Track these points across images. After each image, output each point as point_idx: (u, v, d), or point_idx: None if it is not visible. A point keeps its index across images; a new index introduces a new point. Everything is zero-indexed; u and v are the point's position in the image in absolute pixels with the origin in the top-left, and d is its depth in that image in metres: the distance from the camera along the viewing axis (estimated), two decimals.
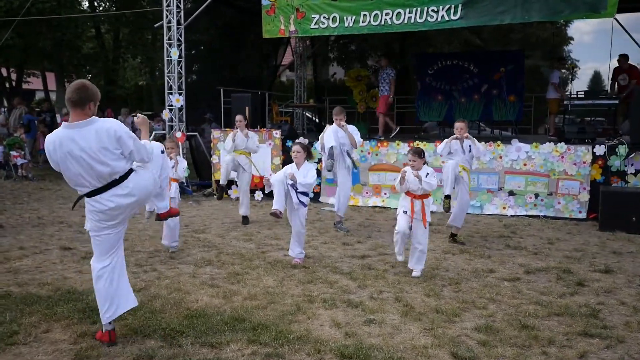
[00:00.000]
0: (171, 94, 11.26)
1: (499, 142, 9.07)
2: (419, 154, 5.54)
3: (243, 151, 8.15)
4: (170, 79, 11.27)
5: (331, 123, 7.72)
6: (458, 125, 6.83)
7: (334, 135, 7.45)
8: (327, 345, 3.76)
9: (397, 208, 9.07)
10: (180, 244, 6.65)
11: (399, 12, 9.51)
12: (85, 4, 19.74)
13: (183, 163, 6.76)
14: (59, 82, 18.00)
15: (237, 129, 8.17)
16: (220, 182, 8.19)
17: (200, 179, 11.93)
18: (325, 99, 15.21)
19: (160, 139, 11.36)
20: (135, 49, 19.64)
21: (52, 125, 15.93)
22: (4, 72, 21.22)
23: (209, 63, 13.11)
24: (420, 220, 5.48)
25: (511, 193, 8.98)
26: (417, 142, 9.56)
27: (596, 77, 57.82)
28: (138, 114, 4.24)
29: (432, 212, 6.17)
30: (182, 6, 11.05)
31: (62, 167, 3.58)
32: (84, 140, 3.49)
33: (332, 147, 7.36)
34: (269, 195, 10.19)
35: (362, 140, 7.89)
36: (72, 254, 6.33)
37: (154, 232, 7.28)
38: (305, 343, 3.81)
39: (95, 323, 4.07)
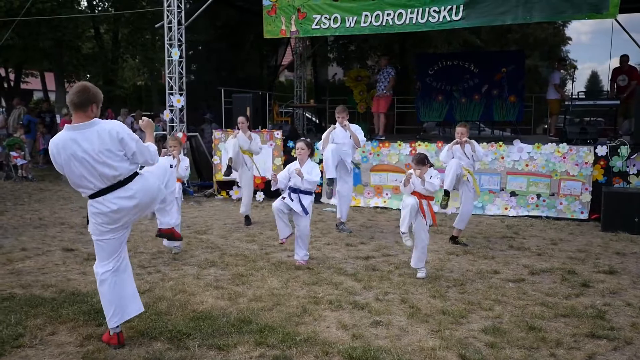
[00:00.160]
0: (172, 94, 11.24)
1: (500, 143, 9.07)
2: (422, 161, 5.45)
3: (246, 151, 8.12)
4: (170, 80, 11.24)
5: (333, 122, 7.71)
6: (459, 130, 6.81)
7: (332, 159, 7.33)
8: (334, 347, 3.75)
9: (398, 209, 9.21)
10: (183, 245, 6.63)
11: (401, 13, 9.50)
12: (84, 4, 19.73)
13: (185, 162, 6.70)
14: (59, 82, 17.94)
15: (238, 129, 8.14)
16: (230, 156, 8.01)
17: (201, 179, 11.92)
18: (326, 99, 15.20)
19: (161, 139, 11.34)
20: (134, 49, 19.58)
21: (52, 126, 15.90)
22: (2, 72, 21.17)
23: (209, 63, 13.10)
24: (423, 217, 5.44)
25: (513, 194, 8.98)
26: (418, 142, 9.56)
27: (594, 78, 57.95)
28: (143, 117, 4.21)
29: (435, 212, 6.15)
30: (182, 6, 11.02)
31: (65, 170, 3.57)
32: (86, 142, 3.49)
33: (333, 180, 7.38)
34: (270, 196, 10.21)
35: (364, 139, 7.83)
36: (75, 255, 6.31)
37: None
38: (313, 345, 3.80)
39: (101, 325, 4.06)
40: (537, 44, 25.27)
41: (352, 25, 9.87)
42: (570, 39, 30.55)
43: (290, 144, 10.22)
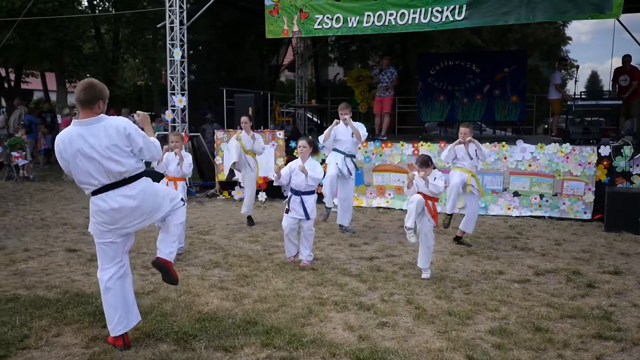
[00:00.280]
0: (174, 94, 11.22)
1: (503, 143, 9.06)
2: (426, 163, 5.43)
3: (248, 151, 8.09)
4: (172, 80, 11.23)
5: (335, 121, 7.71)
6: (463, 130, 6.78)
7: (330, 186, 7.44)
8: (341, 349, 3.74)
9: (401, 209, 9.22)
10: (186, 245, 6.62)
11: (403, 13, 9.48)
12: (85, 4, 19.71)
13: (188, 158, 6.49)
14: (60, 83, 17.93)
15: (241, 129, 8.12)
16: (234, 160, 7.97)
17: (203, 179, 11.90)
18: (327, 99, 15.19)
19: (162, 139, 11.32)
20: (135, 49, 19.57)
21: (53, 126, 15.87)
22: (3, 72, 21.14)
23: (209, 63, 13.09)
24: (429, 216, 5.44)
25: (516, 194, 8.96)
26: (421, 142, 9.54)
27: (594, 78, 58.00)
28: (138, 112, 4.18)
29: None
30: (184, 6, 11.01)
31: (71, 166, 3.56)
32: (93, 138, 3.49)
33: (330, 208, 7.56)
34: (272, 196, 10.24)
35: (366, 134, 7.77)
36: (78, 256, 6.30)
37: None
38: (320, 346, 3.78)
39: (106, 327, 4.02)
40: (537, 43, 25.28)
41: (354, 25, 9.85)
42: (570, 38, 30.63)
43: (293, 144, 10.20)
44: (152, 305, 4.54)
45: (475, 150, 6.71)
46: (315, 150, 6.21)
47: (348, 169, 7.59)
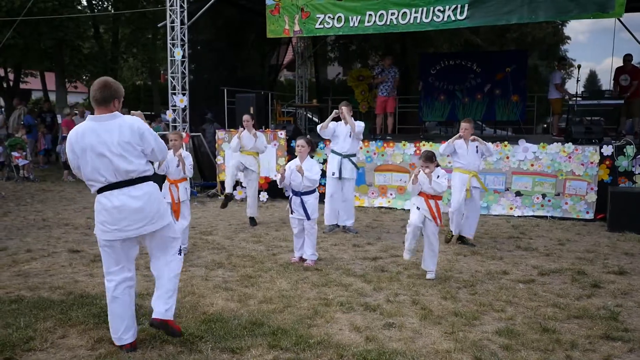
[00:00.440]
0: (174, 94, 11.19)
1: (506, 143, 9.04)
2: (430, 158, 5.46)
3: (250, 152, 8.06)
4: (173, 79, 11.20)
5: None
6: (464, 125, 6.78)
7: (329, 204, 7.54)
8: (349, 350, 3.72)
9: (403, 209, 9.21)
10: (189, 246, 6.60)
11: (405, 12, 9.46)
12: (84, 3, 19.67)
13: (189, 159, 6.38)
14: (60, 82, 17.88)
15: (243, 129, 8.09)
16: (226, 191, 8.01)
17: (204, 179, 11.87)
18: (327, 99, 15.17)
19: (162, 139, 11.28)
20: (135, 48, 19.54)
21: (53, 126, 15.83)
22: (2, 72, 21.10)
23: (209, 62, 13.04)
24: (432, 220, 5.44)
25: (518, 193, 8.95)
26: (423, 142, 9.53)
27: (592, 77, 58.07)
28: (132, 112, 4.06)
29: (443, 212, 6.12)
30: (185, 6, 10.98)
31: (80, 160, 3.55)
32: (106, 134, 3.49)
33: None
34: (274, 196, 10.22)
35: (362, 125, 7.64)
36: (81, 256, 6.27)
37: None
38: (327, 348, 3.76)
39: None
40: (535, 43, 25.28)
41: (356, 24, 9.83)
42: (569, 38, 30.60)
43: (294, 144, 10.16)
44: None
45: (477, 146, 6.69)
46: (314, 149, 6.23)
47: (342, 170, 7.56)
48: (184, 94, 11.18)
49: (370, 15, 9.67)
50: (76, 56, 18.11)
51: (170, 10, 11.01)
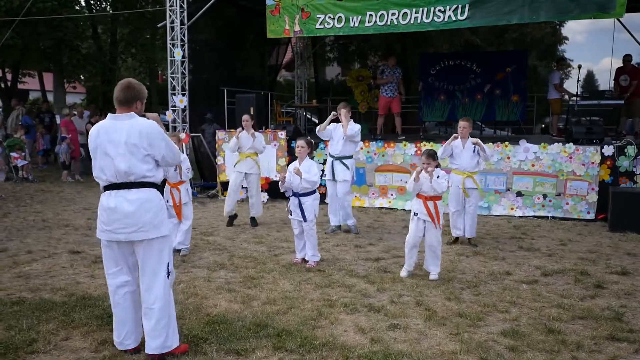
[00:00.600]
0: (174, 94, 11.16)
1: (506, 143, 9.04)
2: (432, 156, 5.50)
3: (249, 153, 8.02)
4: (173, 80, 11.17)
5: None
6: (462, 124, 6.80)
7: (329, 205, 7.50)
8: (354, 352, 3.70)
9: (404, 209, 9.21)
10: (191, 246, 6.57)
11: (406, 12, 9.45)
12: (82, 3, 19.62)
13: (186, 163, 6.36)
14: (58, 83, 17.83)
15: (242, 129, 8.07)
16: (226, 212, 8.01)
17: (204, 180, 11.84)
18: (327, 99, 15.16)
19: None
20: (134, 48, 19.49)
21: (51, 126, 15.78)
22: (0, 72, 21.04)
23: (208, 63, 13.01)
24: (431, 222, 5.43)
25: (519, 194, 8.94)
26: (423, 142, 9.51)
27: (590, 77, 58.14)
28: (147, 114, 3.92)
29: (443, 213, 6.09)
30: (185, 6, 10.95)
31: (93, 156, 3.59)
32: (116, 133, 3.48)
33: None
34: (275, 197, 10.19)
35: (359, 135, 7.62)
36: (82, 257, 6.24)
37: None
38: (332, 349, 3.75)
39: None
40: (534, 43, 25.32)
41: (356, 25, 9.81)
42: (567, 38, 30.66)
43: (294, 144, 10.14)
44: None
45: (476, 149, 6.68)
46: (313, 150, 6.22)
47: (334, 172, 7.55)
48: (183, 94, 11.16)
49: (370, 15, 9.66)
50: (75, 56, 18.06)
51: (170, 10, 10.98)
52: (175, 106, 11.17)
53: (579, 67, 11.45)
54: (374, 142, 9.82)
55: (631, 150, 8.38)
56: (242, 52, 14.60)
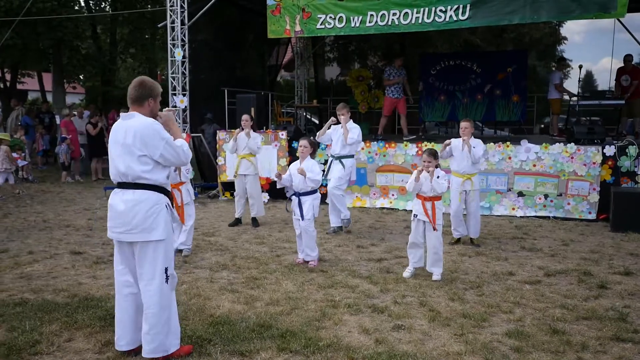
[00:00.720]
0: (175, 94, 11.14)
1: (508, 143, 9.03)
2: (434, 155, 5.51)
3: (244, 154, 8.00)
4: (173, 80, 11.15)
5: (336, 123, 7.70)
6: (463, 124, 6.79)
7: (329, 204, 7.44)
8: (359, 353, 3.69)
9: (405, 209, 9.20)
10: (192, 247, 6.56)
11: (407, 12, 9.44)
12: (81, 3, 19.58)
13: (187, 165, 6.36)
14: (58, 83, 17.79)
15: (242, 129, 8.08)
16: (236, 216, 8.14)
17: (204, 180, 11.82)
18: (327, 99, 15.16)
19: None
20: (134, 49, 19.46)
21: (51, 127, 15.75)
22: None
23: (208, 63, 13.00)
24: (427, 221, 5.42)
25: (520, 194, 8.93)
26: (425, 143, 9.51)
27: (588, 77, 58.17)
28: (160, 113, 3.76)
29: (443, 213, 6.06)
30: (185, 6, 10.93)
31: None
32: (118, 133, 3.53)
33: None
34: (275, 197, 10.17)
35: (359, 140, 7.65)
36: (84, 258, 6.23)
37: None
38: (337, 350, 3.73)
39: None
40: (533, 43, 25.31)
41: (357, 25, 9.80)
42: (565, 38, 30.63)
43: (295, 144, 10.14)
44: None
45: (473, 147, 6.67)
46: (316, 150, 6.25)
47: (330, 171, 7.59)
48: (184, 95, 11.14)
49: (371, 15, 9.65)
50: (75, 56, 18.03)
51: (171, 10, 10.96)
52: (175, 106, 11.15)
53: (580, 67, 11.44)
54: (375, 142, 9.81)
55: (633, 150, 8.38)
56: (242, 52, 14.59)
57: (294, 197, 5.99)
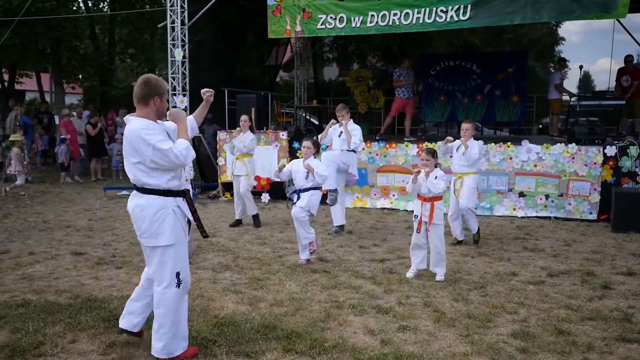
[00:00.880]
0: (175, 95, 11.12)
1: (509, 143, 9.03)
2: (433, 154, 5.50)
3: (239, 155, 8.02)
4: (174, 80, 11.12)
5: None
6: (464, 126, 6.79)
7: (329, 170, 7.23)
8: (365, 354, 3.68)
9: (406, 210, 9.19)
10: (194, 247, 6.53)
11: (407, 13, 9.43)
12: (80, 3, 19.53)
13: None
14: (57, 83, 17.75)
15: (240, 129, 8.10)
16: (236, 218, 8.14)
17: (204, 180, 11.79)
18: (327, 99, 15.15)
19: None
20: (133, 49, 19.42)
21: (50, 127, 15.71)
22: None
23: (208, 63, 12.98)
24: (427, 220, 5.41)
25: (521, 194, 8.93)
26: (425, 143, 9.50)
27: (586, 77, 58.25)
28: (170, 110, 3.68)
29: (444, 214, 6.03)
30: (185, 6, 10.91)
31: None
32: (124, 139, 3.52)
33: (334, 190, 7.31)
34: (276, 197, 10.16)
35: (362, 142, 7.67)
36: (85, 259, 6.20)
37: None
38: (343, 351, 3.72)
39: (121, 333, 3.94)
40: (531, 44, 25.34)
41: (358, 25, 9.79)
42: (563, 39, 30.67)
43: (296, 144, 10.13)
44: None
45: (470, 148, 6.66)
46: (319, 150, 6.26)
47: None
48: (184, 95, 11.11)
49: (372, 15, 9.65)
50: (74, 56, 17.98)
51: (171, 10, 10.94)
52: (175, 106, 11.11)
53: (581, 67, 11.48)
54: (376, 142, 9.80)
55: (634, 150, 8.38)
56: (242, 52, 14.58)
57: (295, 196, 5.98)
